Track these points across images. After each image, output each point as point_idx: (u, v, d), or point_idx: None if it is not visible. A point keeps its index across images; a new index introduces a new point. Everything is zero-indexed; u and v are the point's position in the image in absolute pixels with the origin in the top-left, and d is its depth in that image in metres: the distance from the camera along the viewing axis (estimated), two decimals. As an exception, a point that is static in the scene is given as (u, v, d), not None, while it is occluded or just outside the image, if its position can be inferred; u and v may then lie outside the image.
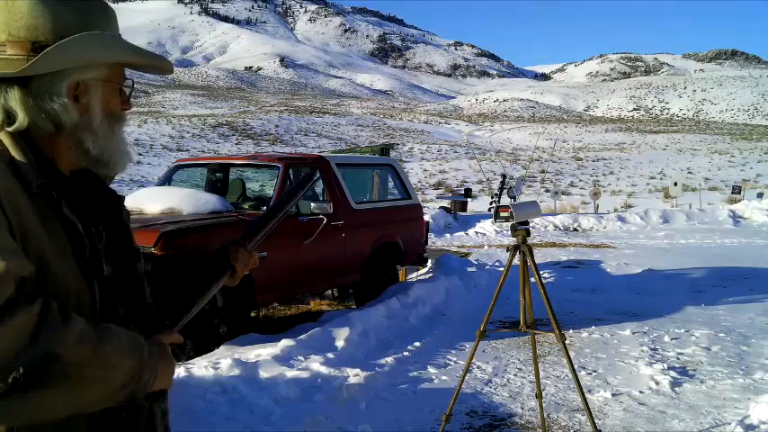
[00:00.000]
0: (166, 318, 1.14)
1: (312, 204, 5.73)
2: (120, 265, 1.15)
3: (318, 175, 1.57)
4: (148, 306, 1.17)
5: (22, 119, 1.03)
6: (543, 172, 39.58)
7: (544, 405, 3.56)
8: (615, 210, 20.81)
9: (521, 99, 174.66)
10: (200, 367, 4.04)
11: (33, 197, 0.99)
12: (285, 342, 4.69)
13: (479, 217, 15.46)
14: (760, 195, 20.11)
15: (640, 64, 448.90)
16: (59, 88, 1.05)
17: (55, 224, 1.00)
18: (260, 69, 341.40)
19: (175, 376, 3.83)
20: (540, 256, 10.39)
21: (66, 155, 1.10)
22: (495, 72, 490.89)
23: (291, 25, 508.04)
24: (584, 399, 3.07)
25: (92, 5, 1.11)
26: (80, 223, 1.05)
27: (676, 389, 4.25)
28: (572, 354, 4.84)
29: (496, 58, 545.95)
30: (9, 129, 1.03)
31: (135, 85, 1.23)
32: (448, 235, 14.04)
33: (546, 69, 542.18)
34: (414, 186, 9.38)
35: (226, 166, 6.92)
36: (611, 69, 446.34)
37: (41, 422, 0.93)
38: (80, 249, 1.03)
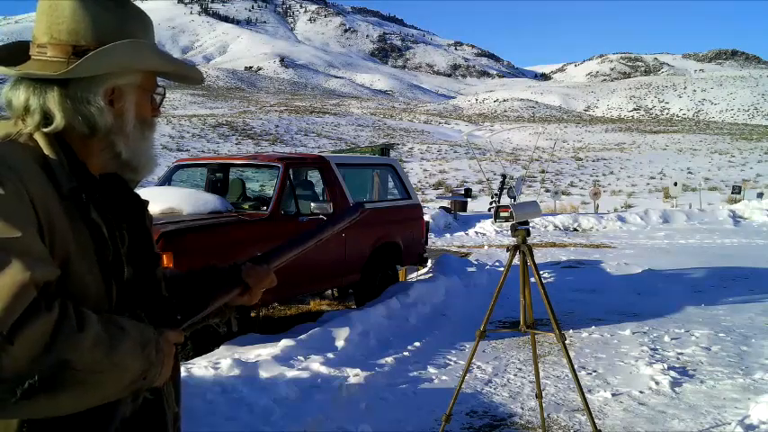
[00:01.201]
0: (179, 312, 1.14)
1: (312, 204, 5.73)
2: (140, 268, 1.16)
3: (359, 212, 1.57)
4: (165, 309, 1.17)
5: (59, 120, 1.05)
6: (543, 172, 39.57)
7: (544, 405, 3.56)
8: (615, 210, 20.81)
9: (521, 99, 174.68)
10: (200, 367, 4.04)
11: (63, 199, 1.00)
12: (285, 342, 4.69)
13: (479, 217, 15.45)
14: (760, 195, 20.10)
15: (640, 64, 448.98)
16: (97, 92, 1.08)
17: (81, 226, 1.02)
18: (260, 69, 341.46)
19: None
20: (540, 256, 10.38)
21: (98, 157, 1.12)
22: (495, 72, 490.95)
23: (291, 25, 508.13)
24: (584, 399, 3.07)
25: (131, 13, 1.14)
26: (105, 227, 1.07)
27: (676, 389, 4.25)
28: (572, 354, 4.84)
29: (496, 58, 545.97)
30: (45, 130, 1.05)
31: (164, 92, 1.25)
32: (448, 235, 14.03)
33: (546, 69, 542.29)
34: (414, 186, 9.38)
35: (226, 166, 6.92)
36: (611, 69, 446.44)
37: (49, 417, 0.94)
38: (103, 252, 1.05)
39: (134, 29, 1.12)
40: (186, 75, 1.23)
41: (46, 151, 1.04)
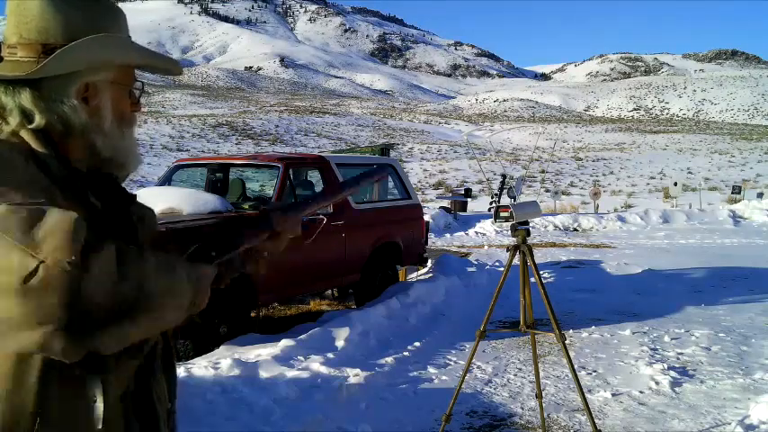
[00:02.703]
0: (213, 249, 1.16)
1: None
2: None
3: (388, 171, 1.62)
4: (199, 247, 1.20)
5: (38, 119, 1.05)
6: (543, 172, 39.57)
7: (544, 405, 3.56)
8: (615, 210, 20.81)
9: (521, 99, 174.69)
10: (200, 367, 4.04)
11: (62, 189, 1.01)
12: (285, 342, 4.69)
13: (479, 217, 15.46)
14: (760, 195, 20.10)
15: (640, 64, 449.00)
16: (69, 90, 1.06)
17: (81, 211, 1.01)
18: (260, 69, 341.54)
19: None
20: (540, 256, 10.38)
21: (79, 155, 1.11)
22: (495, 72, 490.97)
23: (291, 25, 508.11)
24: (584, 399, 3.07)
25: (102, 8, 1.12)
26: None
27: (676, 389, 4.25)
28: (572, 354, 4.84)
29: (496, 58, 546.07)
30: (30, 126, 1.05)
31: (143, 87, 1.24)
32: (448, 235, 14.03)
33: (546, 69, 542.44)
34: (414, 186, 9.38)
35: (226, 166, 6.92)
36: (611, 69, 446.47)
37: (121, 348, 0.95)
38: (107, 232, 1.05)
39: (105, 24, 1.10)
40: (164, 67, 1.20)
41: (34, 145, 1.04)
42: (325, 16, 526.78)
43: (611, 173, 41.28)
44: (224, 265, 1.18)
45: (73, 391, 0.99)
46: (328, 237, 5.93)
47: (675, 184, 22.85)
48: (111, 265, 0.89)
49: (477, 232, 14.34)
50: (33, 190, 0.95)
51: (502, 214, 3.52)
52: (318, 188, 6.90)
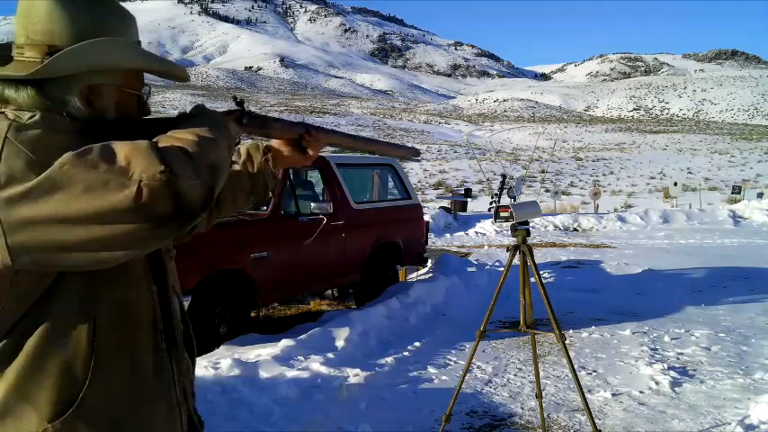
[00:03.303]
0: (246, 115, 1.31)
1: (312, 204, 5.72)
2: None
3: (418, 155, 1.86)
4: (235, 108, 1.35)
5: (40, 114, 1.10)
6: (543, 172, 39.56)
7: (544, 405, 3.56)
8: (615, 210, 20.80)
9: (521, 99, 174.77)
10: (200, 367, 4.04)
11: None
12: (285, 342, 4.69)
13: (479, 217, 15.45)
14: (760, 195, 20.09)
15: (640, 64, 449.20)
16: (71, 91, 1.08)
17: None
18: (260, 69, 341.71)
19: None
20: (540, 256, 10.38)
21: None
22: (495, 72, 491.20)
23: (291, 25, 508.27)
24: (584, 399, 3.07)
25: (110, 12, 1.13)
26: None
27: (676, 389, 4.25)
28: (572, 354, 4.85)
29: (496, 58, 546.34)
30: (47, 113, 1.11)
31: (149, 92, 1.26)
32: (448, 235, 14.03)
33: (546, 69, 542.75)
34: (414, 186, 9.37)
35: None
36: (611, 69, 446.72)
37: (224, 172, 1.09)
38: None
39: (113, 28, 1.11)
40: (171, 72, 1.21)
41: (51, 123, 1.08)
42: (325, 16, 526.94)
43: (611, 173, 41.28)
44: (254, 128, 1.34)
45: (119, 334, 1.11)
46: (328, 236, 5.93)
47: (675, 184, 22.84)
48: (186, 163, 0.98)
49: (477, 232, 14.34)
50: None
51: (502, 214, 3.52)
52: (319, 188, 6.90)
